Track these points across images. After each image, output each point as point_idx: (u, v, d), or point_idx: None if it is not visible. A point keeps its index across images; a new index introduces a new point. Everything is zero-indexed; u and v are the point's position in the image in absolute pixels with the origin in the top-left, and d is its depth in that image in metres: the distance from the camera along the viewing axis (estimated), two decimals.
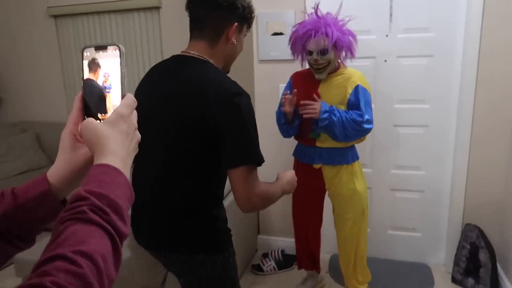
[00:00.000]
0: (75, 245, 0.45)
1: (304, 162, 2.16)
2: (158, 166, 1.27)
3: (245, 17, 1.35)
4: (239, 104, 1.17)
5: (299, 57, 2.06)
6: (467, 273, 2.40)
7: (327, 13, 1.99)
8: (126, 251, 1.76)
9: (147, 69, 3.49)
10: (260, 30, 2.61)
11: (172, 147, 1.23)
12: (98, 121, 0.62)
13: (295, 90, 2.00)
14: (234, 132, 1.17)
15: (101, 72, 0.64)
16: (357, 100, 1.97)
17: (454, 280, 2.48)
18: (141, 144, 0.67)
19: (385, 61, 2.51)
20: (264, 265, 2.66)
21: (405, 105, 2.55)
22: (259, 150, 1.22)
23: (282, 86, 2.61)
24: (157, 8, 3.47)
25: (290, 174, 1.44)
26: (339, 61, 2.03)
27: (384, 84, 2.53)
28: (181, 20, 3.42)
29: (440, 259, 2.68)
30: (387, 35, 2.48)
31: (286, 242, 2.83)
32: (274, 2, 2.56)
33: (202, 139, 1.19)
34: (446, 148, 2.52)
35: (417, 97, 2.52)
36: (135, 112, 0.64)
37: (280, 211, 2.82)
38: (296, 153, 2.23)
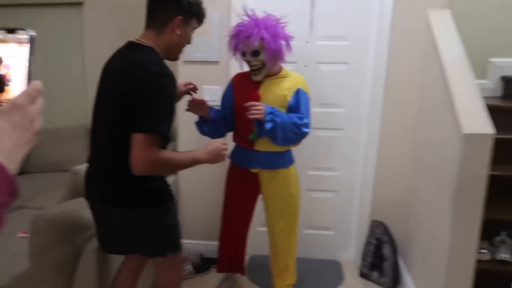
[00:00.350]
0: None
1: (240, 165, 2.15)
2: (103, 129, 1.53)
3: (192, 12, 1.58)
4: (156, 82, 1.41)
5: (238, 57, 2.06)
6: (373, 267, 2.57)
7: (269, 14, 1.99)
8: (25, 262, 1.65)
9: (66, 67, 3.31)
10: None
11: (111, 113, 1.48)
12: None
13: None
14: (144, 104, 1.40)
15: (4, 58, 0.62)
16: (297, 104, 1.99)
17: (362, 274, 2.64)
18: (95, 112, 0.92)
19: (305, 66, 2.63)
20: None
21: (323, 109, 2.68)
22: (165, 125, 1.44)
23: (207, 87, 2.62)
24: (80, 4, 3.29)
25: (213, 145, 1.64)
26: (279, 64, 2.06)
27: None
28: (105, 18, 3.28)
29: (350, 255, 2.84)
30: (307, 42, 2.60)
31: (206, 246, 2.81)
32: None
33: (130, 107, 1.41)
34: (358, 150, 2.70)
35: (333, 101, 2.67)
36: (40, 101, 0.62)
37: (199, 215, 2.80)
38: (232, 155, 2.21)
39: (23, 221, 1.97)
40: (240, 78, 2.17)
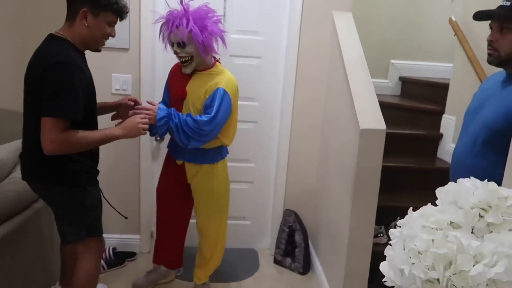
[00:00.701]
0: None
1: (171, 155, 2.17)
2: (25, 115, 1.66)
3: (100, 4, 1.62)
4: (58, 70, 1.53)
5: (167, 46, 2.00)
6: (286, 254, 2.71)
7: (203, 5, 1.93)
8: None
9: None
10: None
11: (28, 100, 1.63)
12: None
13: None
14: (49, 90, 1.52)
15: None
16: (211, 103, 1.93)
17: (275, 261, 2.76)
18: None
19: (219, 58, 2.63)
20: None
21: (238, 102, 2.71)
22: (70, 109, 1.55)
23: (116, 75, 2.52)
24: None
25: (129, 120, 1.79)
26: (215, 58, 2.04)
27: None
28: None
29: (266, 243, 2.95)
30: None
31: (120, 240, 2.73)
32: None
33: (39, 93, 1.54)
34: (272, 142, 2.79)
35: (248, 95, 2.71)
36: None
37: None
38: (168, 145, 2.24)
39: None
40: (176, 70, 2.14)
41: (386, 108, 2.24)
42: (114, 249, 2.63)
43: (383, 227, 2.35)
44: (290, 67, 2.60)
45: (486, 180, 0.69)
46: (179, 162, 2.14)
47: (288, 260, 2.69)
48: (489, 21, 1.51)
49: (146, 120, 1.80)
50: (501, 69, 1.56)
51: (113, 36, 1.75)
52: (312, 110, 2.67)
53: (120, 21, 1.75)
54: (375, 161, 1.89)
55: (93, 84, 1.73)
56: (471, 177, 0.71)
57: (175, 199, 2.26)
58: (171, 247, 2.36)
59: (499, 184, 0.80)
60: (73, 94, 1.55)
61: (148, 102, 1.99)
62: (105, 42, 1.76)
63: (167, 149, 2.28)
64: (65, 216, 1.76)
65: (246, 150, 2.80)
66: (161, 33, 1.99)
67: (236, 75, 2.65)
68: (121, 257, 2.62)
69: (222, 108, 1.95)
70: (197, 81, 2.02)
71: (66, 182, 1.68)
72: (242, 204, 2.89)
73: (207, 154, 2.11)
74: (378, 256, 2.13)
